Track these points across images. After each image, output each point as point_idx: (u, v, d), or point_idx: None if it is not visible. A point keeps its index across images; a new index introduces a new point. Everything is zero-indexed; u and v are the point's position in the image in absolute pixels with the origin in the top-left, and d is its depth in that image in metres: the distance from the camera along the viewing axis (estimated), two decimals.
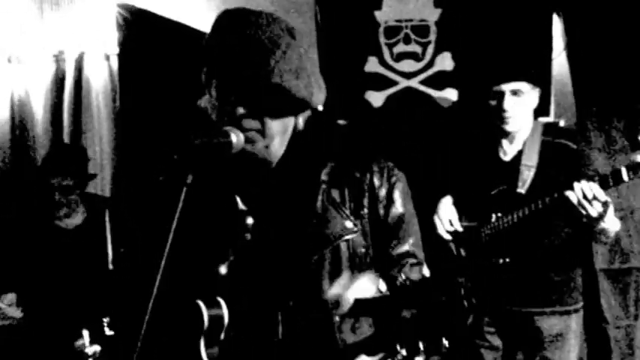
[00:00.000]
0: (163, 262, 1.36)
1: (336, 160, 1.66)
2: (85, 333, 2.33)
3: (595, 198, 2.42)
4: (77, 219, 3.30)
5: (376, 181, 1.66)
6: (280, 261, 1.57)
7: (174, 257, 1.37)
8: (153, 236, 1.49)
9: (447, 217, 2.84)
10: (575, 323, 2.76)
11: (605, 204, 2.44)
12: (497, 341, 2.82)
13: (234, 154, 1.48)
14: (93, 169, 3.54)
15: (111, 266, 3.12)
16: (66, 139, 3.88)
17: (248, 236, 1.60)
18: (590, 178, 2.45)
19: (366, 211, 1.63)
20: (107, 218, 3.25)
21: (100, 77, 3.93)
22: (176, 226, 1.37)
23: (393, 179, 1.67)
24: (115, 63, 3.90)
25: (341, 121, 3.53)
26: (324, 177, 1.63)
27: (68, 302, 3.05)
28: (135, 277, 1.68)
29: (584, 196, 2.42)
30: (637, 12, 3.44)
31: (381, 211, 1.65)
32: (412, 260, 1.65)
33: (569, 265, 2.76)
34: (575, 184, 2.43)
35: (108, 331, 2.23)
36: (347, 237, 1.59)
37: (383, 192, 1.66)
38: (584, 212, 2.43)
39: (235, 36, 1.49)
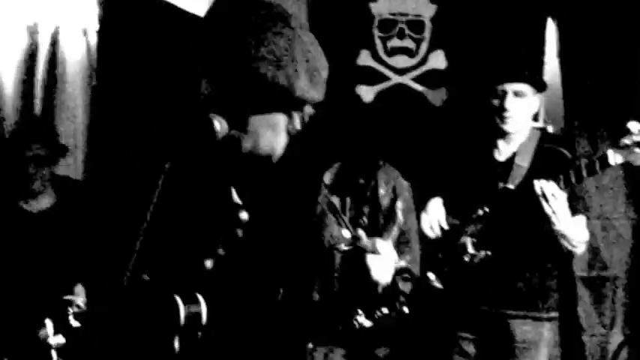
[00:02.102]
0: (137, 248, 1.29)
1: (340, 164, 1.59)
2: (49, 323, 2.23)
3: (552, 195, 2.48)
4: (44, 202, 3.13)
5: (381, 190, 1.61)
6: (270, 262, 1.50)
7: (155, 246, 1.31)
8: (131, 224, 1.40)
9: (435, 215, 2.83)
10: (548, 333, 2.78)
11: (560, 202, 2.50)
12: (470, 348, 2.83)
13: (225, 143, 1.40)
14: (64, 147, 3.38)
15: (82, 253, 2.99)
16: (37, 113, 3.73)
17: (240, 232, 1.51)
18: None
19: (365, 220, 1.58)
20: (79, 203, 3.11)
21: (77, 53, 3.79)
22: (157, 213, 1.31)
23: (398, 190, 1.63)
24: (93, 39, 3.77)
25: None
26: (326, 181, 1.56)
27: (31, 290, 2.91)
28: (109, 265, 1.59)
29: (542, 192, 2.49)
30: (632, 22, 3.45)
31: (382, 222, 1.60)
32: (406, 276, 1.62)
33: (546, 268, 2.79)
34: (535, 181, 2.51)
35: (73, 322, 2.13)
36: (342, 247, 1.54)
37: (386, 202, 1.61)
38: (544, 208, 2.50)
39: (222, 19, 1.41)
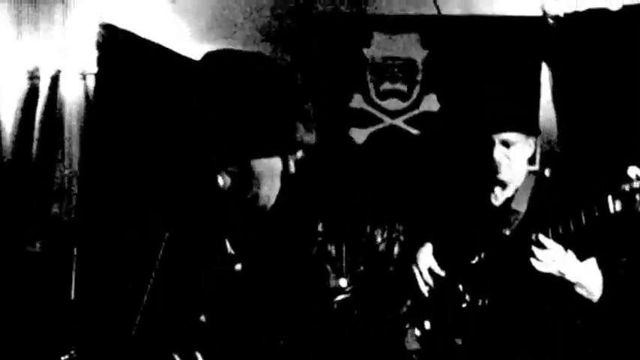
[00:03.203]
0: (141, 306, 1.27)
1: (334, 210, 1.59)
2: None
3: (543, 247, 2.43)
4: (37, 245, 3.15)
5: (377, 237, 1.60)
6: (267, 314, 1.50)
7: (152, 299, 1.31)
8: (123, 272, 1.43)
9: (427, 265, 2.78)
10: None
11: (558, 253, 2.45)
12: None
13: (222, 195, 1.42)
14: (60, 191, 3.40)
15: (73, 296, 2.97)
16: (34, 157, 3.74)
17: (234, 283, 1.52)
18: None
19: (362, 268, 1.57)
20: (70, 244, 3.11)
21: (75, 96, 3.84)
22: (156, 269, 1.31)
23: (394, 234, 1.62)
24: (91, 82, 3.81)
25: None
26: (320, 228, 1.56)
27: (25, 334, 2.88)
28: (102, 312, 1.57)
29: (537, 245, 2.45)
30: (625, 67, 3.47)
31: (380, 268, 1.59)
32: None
33: (547, 316, 2.71)
34: (532, 247, 2.45)
35: None
36: (340, 297, 1.52)
37: (382, 248, 1.60)
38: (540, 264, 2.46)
39: (217, 75, 1.44)
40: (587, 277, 2.54)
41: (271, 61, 1.51)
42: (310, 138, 1.50)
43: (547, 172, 3.30)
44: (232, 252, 1.53)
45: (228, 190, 1.43)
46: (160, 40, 3.77)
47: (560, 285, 2.53)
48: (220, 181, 1.41)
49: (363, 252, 1.59)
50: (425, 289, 2.76)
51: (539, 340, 2.68)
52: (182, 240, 1.46)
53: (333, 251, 1.57)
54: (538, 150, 3.52)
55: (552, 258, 2.46)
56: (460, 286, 2.73)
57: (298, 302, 1.51)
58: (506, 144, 2.66)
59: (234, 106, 1.41)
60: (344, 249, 1.59)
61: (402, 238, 1.65)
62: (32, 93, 3.83)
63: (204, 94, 1.45)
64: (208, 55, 1.49)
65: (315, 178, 1.62)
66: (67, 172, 3.73)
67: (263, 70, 1.46)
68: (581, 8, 3.55)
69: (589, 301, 2.59)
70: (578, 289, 2.55)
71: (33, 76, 3.85)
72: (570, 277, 2.50)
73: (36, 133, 3.79)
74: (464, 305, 2.70)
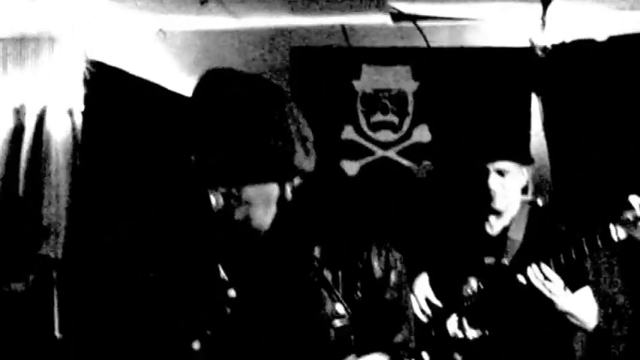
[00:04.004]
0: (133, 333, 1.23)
1: (331, 236, 1.56)
2: None
3: (546, 278, 2.44)
4: (24, 282, 3.09)
5: (374, 263, 1.57)
6: (261, 340, 1.44)
7: (142, 329, 1.26)
8: (109, 303, 1.40)
9: (423, 294, 2.75)
10: None
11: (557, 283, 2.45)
12: None
13: (215, 218, 1.38)
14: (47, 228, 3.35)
15: (58, 334, 2.90)
16: (21, 194, 3.71)
17: (228, 310, 1.46)
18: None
19: (359, 294, 1.53)
20: (55, 282, 3.05)
21: (62, 133, 3.81)
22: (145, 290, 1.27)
23: (391, 261, 1.59)
24: (78, 119, 3.79)
25: None
26: (316, 254, 1.51)
27: None
28: (86, 348, 1.52)
29: (536, 277, 2.45)
30: (614, 96, 3.50)
31: (376, 295, 1.56)
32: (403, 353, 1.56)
33: (545, 346, 2.67)
34: (528, 269, 2.46)
35: None
36: (337, 323, 1.48)
37: (379, 274, 1.57)
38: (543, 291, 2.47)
39: (215, 96, 1.41)
40: (580, 308, 2.54)
41: (272, 84, 1.47)
42: (309, 164, 1.46)
43: (540, 202, 3.29)
44: (225, 277, 1.48)
45: (220, 211, 1.39)
46: (148, 75, 3.76)
47: (555, 313, 2.52)
48: (214, 200, 1.37)
49: (360, 278, 1.56)
50: (423, 318, 2.73)
51: None
52: (174, 265, 1.42)
53: (330, 277, 1.53)
54: (530, 179, 3.53)
55: (551, 288, 2.45)
56: (457, 316, 2.70)
57: (294, 328, 1.46)
58: (501, 173, 2.66)
59: (231, 129, 1.38)
60: (340, 275, 1.55)
61: (399, 265, 1.62)
62: (18, 130, 3.81)
63: (199, 118, 1.42)
64: (211, 72, 1.46)
65: (312, 203, 1.59)
66: (53, 209, 3.68)
67: (264, 90, 1.44)
68: (569, 39, 3.60)
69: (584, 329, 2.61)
70: (571, 319, 2.54)
71: (19, 113, 3.83)
72: (564, 307, 2.49)
73: (22, 170, 3.76)
74: (461, 336, 2.67)
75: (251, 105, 1.39)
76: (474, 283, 2.70)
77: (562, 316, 2.54)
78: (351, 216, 1.75)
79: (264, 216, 1.46)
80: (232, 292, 1.46)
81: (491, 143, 2.75)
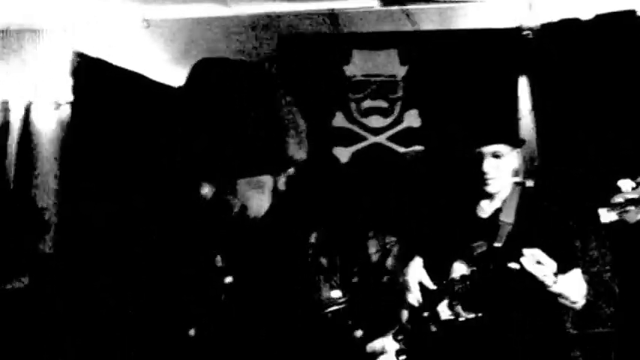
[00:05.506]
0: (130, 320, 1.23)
1: (326, 223, 1.56)
2: None
3: (539, 262, 2.43)
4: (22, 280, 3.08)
5: (371, 248, 1.58)
6: (257, 327, 1.44)
7: (138, 316, 1.28)
8: (103, 291, 1.40)
9: (417, 279, 2.77)
10: None
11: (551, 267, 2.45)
12: None
13: (213, 207, 1.38)
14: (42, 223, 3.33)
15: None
16: (11, 189, 3.68)
17: (223, 296, 1.46)
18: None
19: (356, 279, 1.54)
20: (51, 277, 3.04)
21: (49, 126, 3.78)
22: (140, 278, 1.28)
23: (388, 246, 1.60)
24: (65, 111, 3.76)
25: None
26: (312, 241, 1.52)
27: None
28: (86, 338, 1.52)
29: (529, 261, 2.45)
30: (601, 75, 3.51)
31: (374, 279, 1.57)
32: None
33: (538, 327, 2.71)
34: (524, 251, 2.45)
35: None
36: (333, 308, 1.49)
37: (375, 259, 1.58)
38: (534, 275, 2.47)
39: (205, 83, 1.39)
40: (571, 289, 2.56)
41: (269, 73, 1.46)
42: (301, 154, 1.45)
43: (529, 183, 3.32)
44: (222, 264, 1.48)
45: (212, 200, 1.38)
46: (135, 66, 3.72)
47: (547, 294, 2.55)
48: (204, 190, 1.37)
49: (357, 263, 1.56)
50: (416, 303, 2.75)
51: (530, 348, 2.69)
52: (169, 253, 1.41)
53: (326, 263, 1.53)
54: (521, 161, 3.55)
55: (543, 272, 2.48)
56: (450, 300, 2.72)
57: (290, 314, 1.46)
58: (497, 156, 2.67)
59: (223, 121, 1.36)
60: (337, 260, 1.56)
61: (395, 249, 1.63)
62: (4, 125, 3.76)
63: (190, 110, 1.40)
64: (203, 62, 1.43)
65: (307, 191, 1.59)
66: (44, 203, 3.66)
67: (257, 79, 1.41)
68: (555, 19, 3.60)
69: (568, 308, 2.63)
70: (561, 300, 2.58)
71: (5, 108, 3.78)
72: (556, 288, 2.50)
73: (11, 165, 3.72)
74: (452, 318, 2.70)
75: (244, 95, 1.37)
76: (466, 267, 2.73)
77: (553, 298, 2.59)
78: (345, 202, 1.75)
79: (259, 206, 1.45)
80: (228, 279, 1.46)
81: (484, 127, 2.77)
